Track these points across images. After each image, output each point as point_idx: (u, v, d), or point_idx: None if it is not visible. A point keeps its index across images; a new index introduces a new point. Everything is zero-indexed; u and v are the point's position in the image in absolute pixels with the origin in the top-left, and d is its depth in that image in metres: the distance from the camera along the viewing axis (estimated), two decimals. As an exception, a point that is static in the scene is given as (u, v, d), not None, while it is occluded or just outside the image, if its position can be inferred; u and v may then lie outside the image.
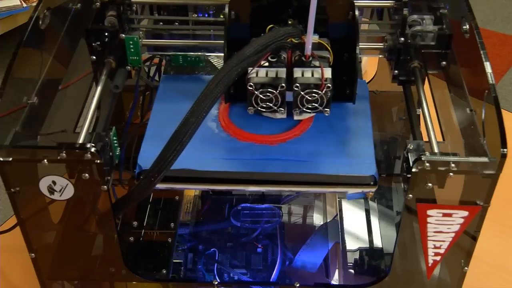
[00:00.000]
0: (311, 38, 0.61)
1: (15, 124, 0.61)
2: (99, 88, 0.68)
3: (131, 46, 0.70)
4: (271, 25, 0.65)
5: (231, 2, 0.67)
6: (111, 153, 0.62)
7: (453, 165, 0.57)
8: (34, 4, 0.72)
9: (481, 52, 0.61)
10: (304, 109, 0.64)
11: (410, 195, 0.60)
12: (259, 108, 0.64)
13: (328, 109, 0.64)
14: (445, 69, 0.71)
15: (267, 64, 0.63)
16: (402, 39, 0.69)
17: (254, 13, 0.67)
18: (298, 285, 0.71)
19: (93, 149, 0.57)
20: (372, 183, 0.64)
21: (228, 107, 0.73)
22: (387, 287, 0.70)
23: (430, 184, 0.58)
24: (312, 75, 0.63)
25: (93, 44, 0.70)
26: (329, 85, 0.62)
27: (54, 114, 0.68)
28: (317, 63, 0.63)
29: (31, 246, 0.66)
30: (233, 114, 0.72)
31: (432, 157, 0.57)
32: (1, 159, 0.58)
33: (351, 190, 0.66)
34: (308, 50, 0.62)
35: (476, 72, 0.62)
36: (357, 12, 0.66)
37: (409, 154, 0.59)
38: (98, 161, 0.58)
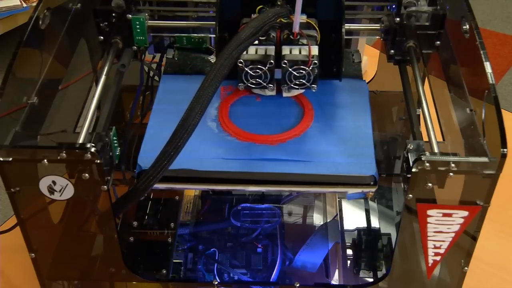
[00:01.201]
0: (298, 16, 0.63)
1: (15, 124, 0.61)
2: (99, 88, 0.68)
3: (138, 26, 0.72)
4: (260, 6, 0.67)
5: None
6: (111, 153, 0.62)
7: (453, 165, 0.57)
8: (34, 4, 0.72)
9: (481, 52, 0.61)
10: (292, 85, 0.66)
11: (410, 195, 0.60)
12: (249, 84, 0.66)
13: (315, 85, 0.66)
14: (439, 49, 0.73)
15: (256, 42, 0.65)
16: (398, 19, 0.71)
17: None
18: (298, 285, 0.71)
19: (93, 149, 0.57)
20: (372, 183, 0.64)
21: (228, 107, 0.73)
22: (387, 287, 0.70)
23: (430, 184, 0.58)
24: (300, 52, 0.65)
25: (101, 24, 0.72)
26: (315, 61, 0.64)
27: (54, 114, 0.68)
28: (304, 41, 0.66)
29: (31, 246, 0.66)
30: (233, 114, 0.72)
31: (432, 157, 0.57)
32: (1, 159, 0.58)
33: (351, 190, 0.66)
34: (296, 28, 0.65)
35: (476, 72, 0.62)
36: None
37: (409, 154, 0.59)
38: (98, 161, 0.58)
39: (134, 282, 0.72)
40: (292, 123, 0.71)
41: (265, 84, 0.66)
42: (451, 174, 0.57)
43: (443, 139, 0.69)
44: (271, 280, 0.78)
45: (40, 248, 0.67)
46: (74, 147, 0.58)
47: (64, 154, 0.57)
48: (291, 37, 0.66)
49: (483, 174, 0.57)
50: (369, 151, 0.67)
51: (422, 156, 0.57)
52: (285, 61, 0.64)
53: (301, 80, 0.65)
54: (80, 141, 0.60)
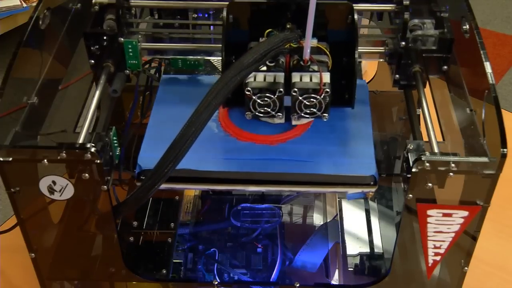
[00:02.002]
0: (309, 42, 0.60)
1: (15, 124, 0.61)
2: (99, 88, 0.68)
3: (130, 50, 0.69)
4: (269, 30, 0.64)
5: (229, 6, 0.66)
6: (111, 153, 0.62)
7: (453, 165, 0.57)
8: (34, 4, 0.72)
9: (481, 52, 0.61)
10: (302, 114, 0.63)
11: (410, 195, 0.60)
12: (256, 113, 0.64)
13: (327, 114, 0.63)
14: (447, 73, 0.70)
15: (265, 68, 0.63)
16: (403, 43, 0.68)
17: (252, 17, 0.66)
18: (298, 285, 0.71)
19: (93, 149, 0.57)
20: (372, 183, 0.64)
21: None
22: (387, 287, 0.70)
23: (430, 184, 0.58)
24: (311, 79, 0.62)
25: (92, 47, 0.69)
26: (327, 90, 0.61)
27: (54, 114, 0.68)
28: (315, 68, 0.62)
29: (31, 246, 0.66)
30: (233, 114, 0.72)
31: (432, 157, 0.57)
32: (1, 159, 0.58)
33: (351, 190, 0.66)
34: (307, 54, 0.62)
35: (476, 72, 0.62)
36: (356, 16, 0.66)
37: (409, 154, 0.59)
38: (98, 161, 0.58)
39: (134, 282, 0.72)
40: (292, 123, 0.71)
41: (273, 113, 0.63)
42: (451, 174, 0.57)
43: (443, 139, 0.69)
44: (271, 280, 0.78)
45: (40, 248, 0.67)
46: (74, 147, 0.58)
47: (64, 154, 0.57)
48: (301, 63, 0.62)
49: (483, 174, 0.57)
50: (369, 151, 0.67)
51: (422, 156, 0.57)
52: (295, 89, 0.61)
53: (311, 109, 0.62)
54: (80, 141, 0.60)
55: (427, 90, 0.71)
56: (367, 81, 0.79)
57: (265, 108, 0.63)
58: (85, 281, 0.73)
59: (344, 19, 0.66)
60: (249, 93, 0.62)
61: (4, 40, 2.00)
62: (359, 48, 0.68)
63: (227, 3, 0.66)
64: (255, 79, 0.62)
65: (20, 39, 0.64)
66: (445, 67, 0.70)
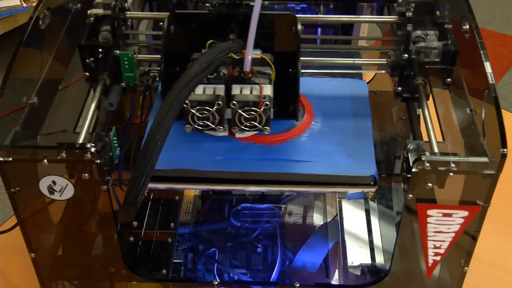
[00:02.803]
0: (250, 53, 0.59)
1: (15, 124, 0.61)
2: (99, 88, 0.68)
3: (126, 62, 0.68)
4: (211, 41, 0.62)
5: (170, 16, 0.64)
6: (111, 153, 0.62)
7: (453, 165, 0.57)
8: (34, 4, 0.72)
9: (481, 52, 0.61)
10: (243, 127, 0.62)
11: (410, 195, 0.60)
12: (196, 126, 0.62)
13: (268, 127, 0.61)
14: (450, 86, 0.69)
15: (205, 80, 0.61)
16: (406, 55, 0.67)
17: (194, 28, 0.65)
18: (298, 285, 0.71)
19: (93, 149, 0.57)
20: (372, 183, 0.64)
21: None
22: (387, 287, 0.70)
23: (430, 184, 0.58)
24: (251, 92, 0.60)
25: (87, 60, 0.68)
26: (267, 102, 0.59)
27: (54, 114, 0.68)
28: (256, 80, 0.61)
29: (31, 246, 0.66)
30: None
31: (432, 157, 0.57)
32: (1, 159, 0.58)
33: (351, 190, 0.66)
34: (247, 66, 0.60)
35: (476, 72, 0.62)
36: (299, 27, 0.64)
37: (409, 154, 0.59)
38: (98, 161, 0.58)
39: (134, 282, 0.72)
40: (292, 123, 0.71)
41: (213, 126, 0.61)
42: (451, 174, 0.57)
43: (443, 139, 0.69)
44: (271, 280, 0.78)
45: (40, 248, 0.67)
46: (74, 147, 0.58)
47: (64, 154, 0.57)
48: (242, 75, 0.61)
49: (483, 174, 0.57)
50: (369, 151, 0.67)
51: (422, 156, 0.57)
52: (234, 101, 0.59)
53: (252, 122, 0.61)
54: (80, 141, 0.60)
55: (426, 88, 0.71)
56: (367, 81, 0.79)
57: (205, 121, 0.61)
58: (85, 281, 0.73)
59: (288, 30, 0.64)
60: (187, 106, 0.60)
61: (4, 40, 2.00)
62: (361, 60, 0.69)
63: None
64: (194, 92, 0.59)
65: (20, 39, 0.64)
66: (449, 79, 0.68)
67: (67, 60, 0.73)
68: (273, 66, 0.62)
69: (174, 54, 0.63)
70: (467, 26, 0.65)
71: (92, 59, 0.68)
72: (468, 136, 0.62)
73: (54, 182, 0.60)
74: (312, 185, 0.66)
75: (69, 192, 0.60)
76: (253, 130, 0.62)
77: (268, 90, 0.60)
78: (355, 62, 0.72)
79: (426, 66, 0.68)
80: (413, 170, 0.57)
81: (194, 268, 0.80)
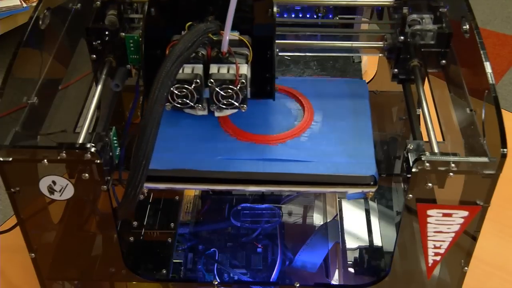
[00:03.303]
0: (228, 34, 0.61)
1: (15, 124, 0.61)
2: (99, 88, 0.68)
3: (131, 45, 0.70)
4: (190, 23, 0.64)
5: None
6: (111, 153, 0.62)
7: (453, 165, 0.57)
8: (34, 4, 0.72)
9: (481, 52, 0.61)
10: (221, 105, 0.63)
11: (410, 195, 0.60)
12: (175, 104, 0.63)
13: (245, 105, 0.63)
14: (445, 68, 0.71)
15: None
16: (402, 38, 0.69)
17: (174, 11, 0.66)
18: (298, 285, 0.71)
19: (93, 149, 0.57)
20: (372, 183, 0.64)
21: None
22: (387, 287, 0.70)
23: (430, 184, 0.58)
24: (228, 71, 0.62)
25: (93, 43, 0.70)
26: (243, 81, 0.61)
27: (54, 114, 0.68)
28: (233, 60, 0.63)
29: (31, 246, 0.66)
30: (233, 114, 0.72)
31: (432, 157, 0.57)
32: (1, 159, 0.58)
33: (351, 190, 0.66)
34: (225, 46, 0.62)
35: (476, 72, 0.62)
36: (275, 9, 0.66)
37: (409, 154, 0.59)
38: (98, 161, 0.58)
39: (134, 282, 0.72)
40: (292, 123, 0.71)
41: (192, 104, 0.63)
42: (451, 174, 0.57)
43: (443, 139, 0.69)
44: (271, 280, 0.78)
45: (40, 248, 0.67)
46: (74, 147, 0.58)
47: (64, 154, 0.57)
48: (220, 55, 0.63)
49: (483, 174, 0.57)
50: (369, 151, 0.67)
51: (422, 156, 0.57)
52: (212, 80, 0.61)
53: (229, 100, 0.62)
54: (80, 141, 0.60)
55: (426, 89, 0.71)
56: (367, 81, 0.79)
57: (183, 99, 0.63)
58: (85, 281, 0.73)
59: (265, 12, 0.66)
60: None
61: (4, 40, 2.00)
62: (358, 43, 0.71)
63: None
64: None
65: (20, 39, 0.64)
66: (444, 61, 0.70)
67: (67, 60, 0.73)
68: (250, 47, 0.64)
69: (154, 37, 0.65)
70: (467, 26, 0.65)
71: (99, 42, 0.70)
72: (468, 136, 0.62)
73: (54, 182, 0.60)
74: (312, 185, 0.66)
75: (69, 192, 0.60)
76: (231, 108, 0.63)
77: (244, 69, 0.62)
78: (353, 45, 0.74)
79: (422, 49, 0.69)
80: (413, 170, 0.57)
81: (194, 268, 0.80)
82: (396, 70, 0.72)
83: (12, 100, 0.62)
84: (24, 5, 2.03)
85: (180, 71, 0.61)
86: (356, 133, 0.69)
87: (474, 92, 0.63)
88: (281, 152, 0.67)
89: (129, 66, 0.72)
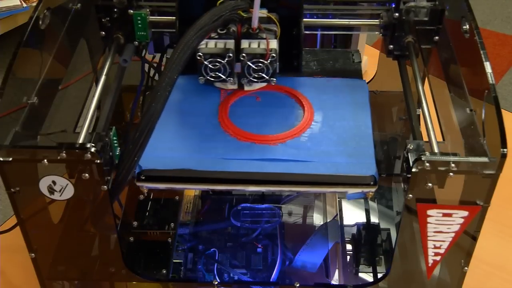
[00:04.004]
0: (257, 11, 0.64)
1: (15, 124, 0.61)
2: (99, 88, 0.68)
3: (139, 22, 0.73)
4: (221, 0, 0.67)
5: None
6: (111, 153, 0.62)
7: (453, 165, 0.57)
8: (34, 4, 0.72)
9: (481, 52, 0.61)
10: (252, 79, 0.66)
11: (410, 195, 0.60)
12: (208, 78, 0.66)
13: (275, 79, 0.66)
14: (438, 44, 0.73)
15: (216, 36, 0.66)
16: (397, 14, 0.72)
17: None
18: (298, 285, 0.71)
19: (93, 149, 0.57)
20: (372, 183, 0.64)
21: (228, 107, 0.73)
22: (387, 287, 0.70)
23: (430, 184, 0.58)
24: (259, 46, 0.65)
25: (103, 20, 0.73)
26: (273, 55, 0.64)
27: (54, 114, 0.68)
28: (263, 35, 0.66)
29: (31, 246, 0.66)
30: (233, 114, 0.72)
31: (432, 157, 0.57)
32: (1, 159, 0.58)
33: (351, 190, 0.66)
34: (255, 22, 0.65)
35: (476, 72, 0.62)
36: None
37: (409, 154, 0.59)
38: (98, 161, 0.58)
39: (134, 282, 0.72)
40: (292, 123, 0.71)
41: (224, 77, 0.66)
42: (451, 174, 0.57)
43: (443, 139, 0.69)
44: (271, 280, 0.78)
45: (40, 248, 0.67)
46: (74, 147, 0.58)
47: (64, 154, 0.57)
48: (250, 31, 0.66)
49: (483, 174, 0.57)
50: (369, 151, 0.67)
51: (422, 156, 0.57)
52: (244, 54, 0.65)
53: (260, 73, 0.65)
54: (80, 141, 0.60)
55: (426, 89, 0.71)
56: (367, 81, 0.79)
57: (216, 73, 0.66)
58: (85, 281, 0.73)
59: None
60: (200, 58, 0.65)
61: (4, 40, 2.00)
62: (356, 21, 0.75)
63: None
64: (206, 46, 0.65)
65: (20, 39, 0.64)
66: (436, 37, 0.73)
67: (67, 60, 0.73)
68: (278, 24, 0.68)
69: (187, 14, 0.69)
70: (467, 26, 0.65)
71: (108, 18, 0.73)
72: (468, 136, 0.62)
73: (54, 182, 0.60)
74: (312, 185, 0.66)
75: (69, 192, 0.60)
76: (261, 82, 0.67)
77: (274, 44, 0.65)
78: (350, 22, 0.76)
79: (416, 26, 0.73)
80: (413, 170, 0.57)
81: (194, 268, 0.80)
82: (391, 46, 0.75)
83: (12, 100, 0.62)
84: (24, 5, 2.03)
85: (213, 45, 0.65)
86: (356, 133, 0.69)
87: (474, 92, 0.63)
88: (281, 152, 0.67)
89: (136, 42, 0.75)
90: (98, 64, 0.76)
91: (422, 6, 0.71)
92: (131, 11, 0.72)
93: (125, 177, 0.61)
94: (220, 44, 0.65)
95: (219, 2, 0.67)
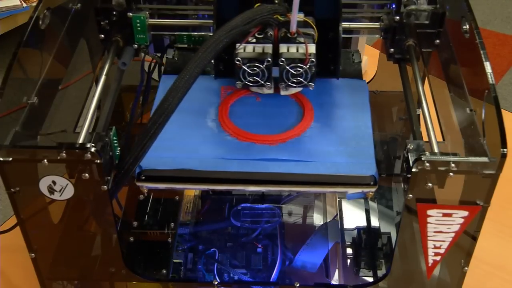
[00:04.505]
0: (296, 14, 0.63)
1: (15, 124, 0.61)
2: (99, 88, 0.68)
3: (138, 25, 0.73)
4: (258, 4, 0.66)
5: None
6: (111, 153, 0.62)
7: (453, 165, 0.57)
8: (34, 4, 0.72)
9: (481, 52, 0.61)
10: (290, 83, 0.65)
11: (410, 195, 0.60)
12: (246, 82, 0.66)
13: (313, 83, 0.65)
14: (439, 47, 0.73)
15: (254, 40, 0.65)
16: (397, 17, 0.71)
17: None
18: (298, 285, 0.71)
19: (93, 149, 0.57)
20: (372, 183, 0.64)
21: (228, 107, 0.73)
22: (387, 287, 0.70)
23: (430, 184, 0.58)
24: (297, 50, 0.65)
25: (102, 22, 0.73)
26: (312, 59, 0.64)
27: (54, 114, 0.68)
28: (301, 39, 0.65)
29: (31, 246, 0.66)
30: (233, 114, 0.72)
31: (432, 157, 0.57)
32: (1, 159, 0.58)
33: (351, 190, 0.66)
34: (293, 27, 0.65)
35: (476, 72, 0.62)
36: None
37: (409, 154, 0.59)
38: (98, 161, 0.58)
39: (134, 282, 0.72)
40: (292, 123, 0.71)
41: (262, 82, 0.65)
42: (451, 174, 0.57)
43: (443, 139, 0.69)
44: (271, 280, 0.78)
45: (40, 248, 0.67)
46: (74, 147, 0.58)
47: (64, 154, 0.57)
48: (289, 35, 0.66)
49: (483, 174, 0.57)
50: (369, 151, 0.67)
51: (422, 156, 0.57)
52: (283, 59, 0.64)
53: (298, 78, 0.65)
54: (80, 141, 0.60)
55: (426, 89, 0.71)
56: (367, 81, 0.79)
57: (254, 78, 0.65)
58: (85, 281, 0.73)
59: None
60: (239, 62, 0.64)
61: (4, 40, 2.00)
62: (356, 23, 0.74)
63: None
64: (244, 50, 0.65)
65: (20, 39, 0.64)
66: (437, 41, 0.73)
67: (67, 60, 0.73)
68: (315, 28, 0.67)
69: (224, 18, 0.67)
70: (467, 26, 0.65)
71: (107, 21, 0.73)
72: (468, 136, 0.62)
73: (54, 182, 0.60)
74: (312, 185, 0.66)
75: (69, 192, 0.60)
76: (299, 86, 0.66)
77: (313, 48, 0.65)
78: (350, 26, 0.76)
79: (417, 29, 0.72)
80: (413, 170, 0.57)
81: (194, 268, 0.80)
82: (392, 49, 0.74)
83: (12, 100, 0.62)
84: (24, 5, 2.03)
85: (251, 50, 0.65)
86: (356, 133, 0.69)
87: (474, 92, 0.63)
88: (281, 152, 0.67)
89: (135, 45, 0.74)
90: (98, 64, 0.76)
91: (423, 9, 0.71)
92: (130, 14, 0.72)
93: (131, 167, 0.60)
94: (258, 48, 0.65)
95: (256, 5, 0.66)
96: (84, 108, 0.73)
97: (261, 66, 0.64)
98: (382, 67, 0.98)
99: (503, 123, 0.56)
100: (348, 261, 0.80)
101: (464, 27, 0.66)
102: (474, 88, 0.63)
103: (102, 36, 0.74)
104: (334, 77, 0.73)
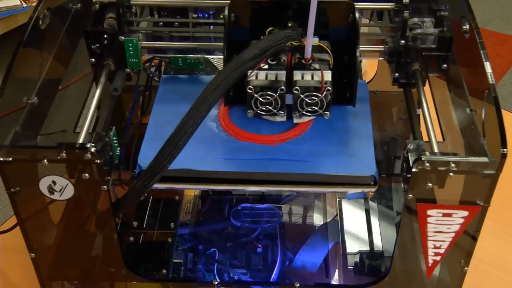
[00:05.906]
0: (311, 41, 0.61)
1: (15, 124, 0.61)
2: (99, 88, 0.68)
3: (130, 48, 0.70)
4: (271, 28, 0.64)
5: (231, 4, 0.66)
6: (111, 153, 0.62)
7: (453, 165, 0.57)
8: (34, 4, 0.72)
9: (481, 52, 0.61)
10: (304, 112, 0.63)
11: (410, 195, 0.60)
12: (258, 111, 0.64)
13: (328, 112, 0.63)
14: (446, 72, 0.70)
15: (266, 67, 0.63)
16: (403, 41, 0.68)
17: (254, 16, 0.66)
18: (298, 285, 0.71)
19: (93, 149, 0.57)
20: (372, 183, 0.64)
21: (229, 107, 0.73)
22: (387, 287, 0.70)
23: (430, 184, 0.58)
24: (312, 78, 0.62)
25: (92, 46, 0.70)
26: (329, 88, 0.61)
27: (54, 114, 0.68)
28: (317, 66, 0.63)
29: (31, 246, 0.66)
30: (233, 114, 0.72)
31: (432, 157, 0.57)
32: (1, 159, 0.58)
33: (351, 190, 0.66)
34: (308, 53, 0.62)
35: (476, 72, 0.62)
36: (357, 15, 0.65)
37: (409, 154, 0.59)
38: (98, 161, 0.58)
39: (134, 282, 0.72)
40: (292, 123, 0.71)
41: (275, 111, 0.64)
42: (451, 174, 0.57)
43: (443, 139, 0.69)
44: (271, 280, 0.78)
45: (40, 248, 0.67)
46: (74, 147, 0.58)
47: (64, 154, 0.57)
48: (303, 61, 0.63)
49: (483, 174, 0.57)
50: (369, 151, 0.67)
51: (422, 156, 0.57)
52: (297, 87, 0.61)
53: (313, 107, 0.63)
54: (80, 141, 0.60)
55: (427, 89, 0.71)
56: (367, 81, 0.79)
57: (267, 106, 0.63)
58: (85, 281, 0.73)
59: (345, 17, 0.66)
60: (251, 91, 0.62)
61: (4, 40, 1.99)
62: (360, 46, 0.68)
63: (227, 2, 0.66)
64: (256, 77, 0.62)
65: (20, 39, 0.64)
66: (445, 65, 0.70)
67: (67, 60, 0.73)
68: (330, 53, 0.64)
69: (235, 42, 0.65)
70: (467, 26, 0.65)
71: (98, 45, 0.69)
72: (468, 136, 0.62)
73: (54, 182, 0.60)
74: (312, 185, 0.66)
75: (69, 192, 0.60)
76: (313, 115, 0.64)
77: (328, 76, 0.62)
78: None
79: (423, 53, 0.69)
80: (413, 170, 0.57)
81: (194, 268, 0.80)
82: (397, 74, 0.71)
83: (12, 100, 0.62)
84: (24, 5, 2.03)
85: (264, 77, 0.62)
86: (356, 133, 0.69)
87: (474, 92, 0.63)
88: (281, 152, 0.67)
89: (127, 69, 0.71)
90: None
91: (429, 33, 0.67)
92: (122, 38, 0.69)
93: (156, 175, 0.58)
94: (271, 76, 0.62)
95: (268, 30, 0.64)
96: (84, 108, 0.73)
97: (274, 94, 0.62)
98: (382, 68, 0.98)
99: (503, 123, 0.56)
100: (348, 261, 0.80)
101: (464, 27, 0.66)
102: (474, 88, 0.63)
103: (93, 60, 0.71)
104: (350, 104, 0.69)
